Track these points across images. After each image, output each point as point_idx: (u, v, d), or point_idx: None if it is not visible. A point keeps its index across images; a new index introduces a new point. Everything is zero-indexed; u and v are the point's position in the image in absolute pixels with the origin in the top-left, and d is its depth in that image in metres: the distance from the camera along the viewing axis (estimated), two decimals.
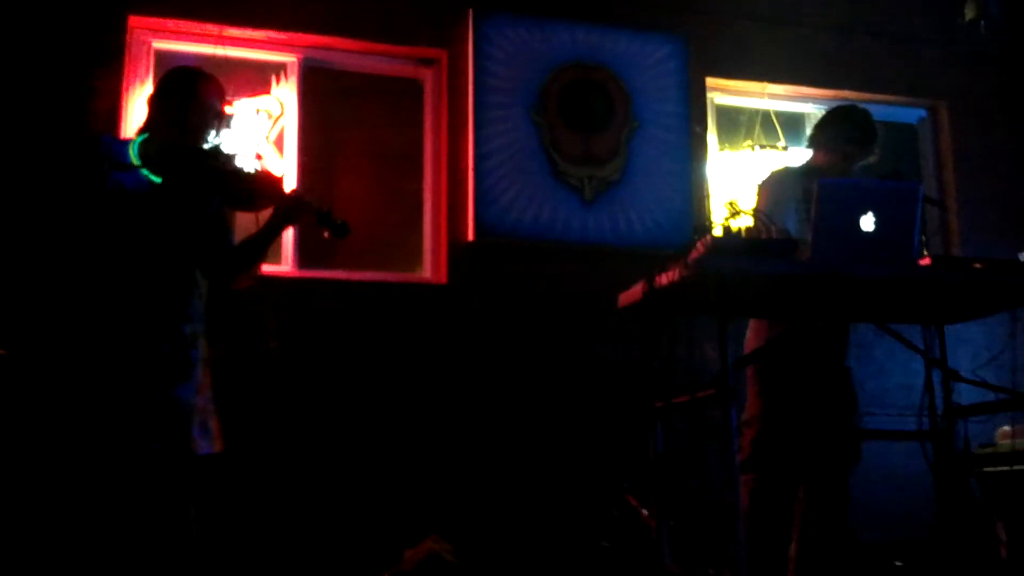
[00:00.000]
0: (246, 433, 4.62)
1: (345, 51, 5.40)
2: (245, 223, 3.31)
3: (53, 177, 3.09)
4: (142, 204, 2.98)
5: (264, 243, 3.18)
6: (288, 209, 3.11)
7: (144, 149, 3.01)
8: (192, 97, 3.10)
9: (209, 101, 3.13)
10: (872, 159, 4.04)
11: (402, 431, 4.90)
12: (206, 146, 3.11)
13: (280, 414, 4.73)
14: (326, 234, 3.15)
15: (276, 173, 3.26)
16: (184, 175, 3.00)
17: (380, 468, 4.83)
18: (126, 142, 3.10)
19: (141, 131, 3.13)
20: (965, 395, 3.82)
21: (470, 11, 5.41)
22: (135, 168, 2.99)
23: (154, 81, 4.98)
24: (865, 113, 4.14)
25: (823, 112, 4.45)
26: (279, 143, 5.20)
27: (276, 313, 3.80)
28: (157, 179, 2.99)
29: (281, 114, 5.21)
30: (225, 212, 3.18)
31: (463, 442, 4.97)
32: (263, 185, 3.10)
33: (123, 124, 4.84)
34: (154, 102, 3.16)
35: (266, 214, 3.17)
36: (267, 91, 5.25)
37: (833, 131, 4.05)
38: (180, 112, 3.09)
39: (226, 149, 3.15)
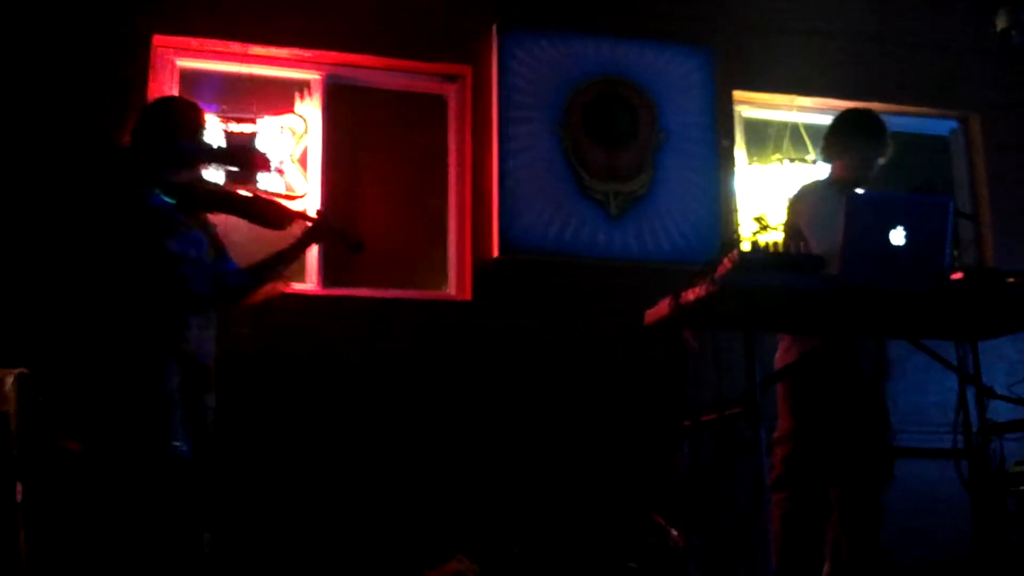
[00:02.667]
0: (268, 449, 4.62)
1: (369, 68, 5.39)
2: None
3: (93, 189, 3.16)
4: (175, 222, 3.09)
5: (289, 260, 3.40)
6: (317, 229, 3.38)
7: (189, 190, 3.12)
8: (200, 130, 3.30)
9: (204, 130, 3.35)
10: (888, 153, 3.99)
11: (427, 448, 4.87)
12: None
13: (304, 431, 4.71)
14: (345, 250, 3.45)
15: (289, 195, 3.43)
16: (209, 203, 3.19)
17: (404, 486, 4.79)
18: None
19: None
20: (1001, 412, 3.75)
21: (494, 27, 5.40)
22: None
23: None
24: (868, 110, 4.12)
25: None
26: (303, 161, 5.19)
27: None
28: (170, 200, 3.07)
29: (305, 132, 5.20)
30: (217, 233, 3.33)
31: (489, 460, 4.93)
32: (284, 207, 3.31)
33: None
34: (162, 131, 3.21)
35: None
36: (291, 109, 5.24)
37: (847, 136, 4.01)
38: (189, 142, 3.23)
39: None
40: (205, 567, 3.03)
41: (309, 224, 3.38)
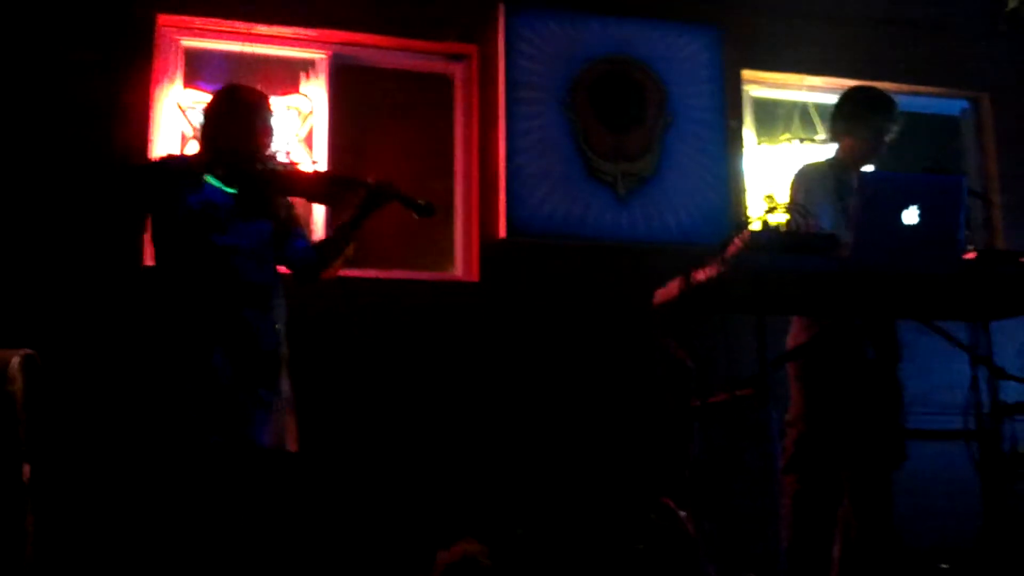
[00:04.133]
0: None
1: (375, 47, 5.35)
2: None
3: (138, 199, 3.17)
4: (230, 213, 3.12)
5: (350, 232, 3.38)
6: (373, 195, 3.31)
7: (233, 173, 3.12)
8: (261, 114, 3.27)
9: (270, 113, 3.32)
10: (897, 129, 3.97)
11: (435, 431, 4.85)
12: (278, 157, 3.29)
13: (309, 414, 4.68)
14: (413, 215, 3.32)
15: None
16: (269, 188, 3.17)
17: (412, 469, 4.78)
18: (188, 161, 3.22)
19: (211, 150, 3.20)
20: (1012, 393, 3.72)
21: (501, 5, 5.35)
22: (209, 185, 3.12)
23: (184, 79, 4.99)
24: (875, 87, 4.11)
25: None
26: (309, 141, 5.16)
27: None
28: (231, 190, 3.11)
29: (311, 112, 5.17)
30: (294, 214, 3.39)
31: (497, 442, 4.92)
32: (338, 179, 3.30)
33: (152, 122, 4.83)
34: (223, 121, 3.24)
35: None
36: (296, 89, 5.21)
37: (856, 111, 3.99)
38: (251, 131, 3.23)
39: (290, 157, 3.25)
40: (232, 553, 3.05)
41: (365, 192, 3.30)
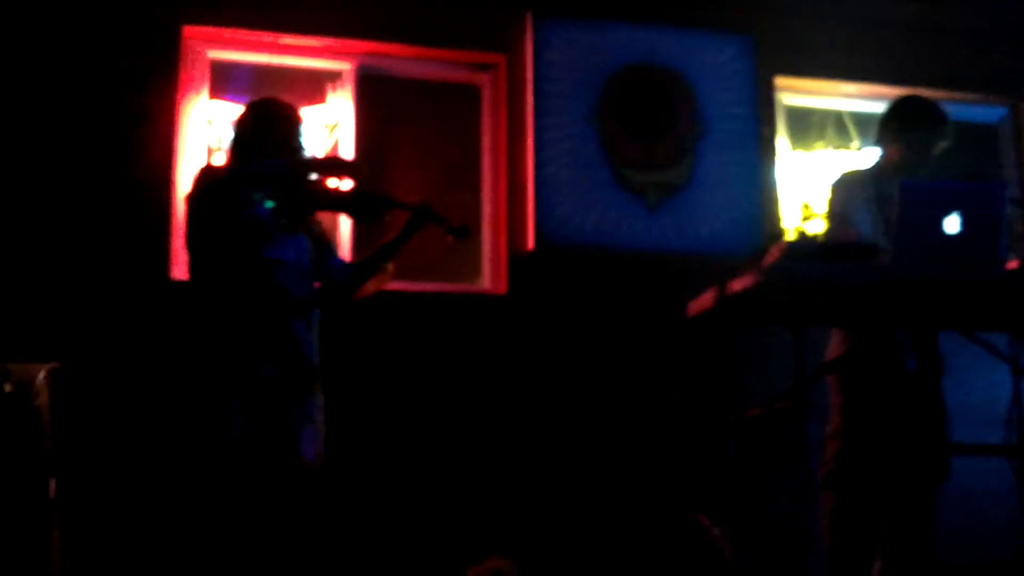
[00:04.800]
0: None
1: (400, 58, 5.31)
2: None
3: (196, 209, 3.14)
4: (273, 227, 3.11)
5: (391, 251, 3.43)
6: (414, 217, 3.36)
7: (273, 187, 3.09)
8: (295, 127, 3.30)
9: (302, 125, 3.35)
10: (945, 144, 3.88)
11: (462, 446, 4.79)
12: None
13: (336, 429, 4.64)
14: (450, 238, 3.35)
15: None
16: (309, 202, 3.18)
17: (441, 484, 4.72)
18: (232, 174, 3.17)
19: (246, 158, 3.19)
20: None
21: (528, 14, 5.30)
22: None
23: (210, 90, 4.98)
24: (925, 98, 4.03)
25: None
26: (335, 152, 5.13)
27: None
28: (270, 203, 3.10)
29: (337, 123, 5.14)
30: (324, 229, 3.41)
31: (526, 457, 4.85)
32: (378, 197, 3.23)
33: (178, 134, 4.81)
34: (257, 134, 3.23)
35: None
36: (322, 100, 5.18)
37: (903, 120, 3.91)
38: (286, 144, 3.25)
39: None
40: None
41: (409, 213, 3.33)
